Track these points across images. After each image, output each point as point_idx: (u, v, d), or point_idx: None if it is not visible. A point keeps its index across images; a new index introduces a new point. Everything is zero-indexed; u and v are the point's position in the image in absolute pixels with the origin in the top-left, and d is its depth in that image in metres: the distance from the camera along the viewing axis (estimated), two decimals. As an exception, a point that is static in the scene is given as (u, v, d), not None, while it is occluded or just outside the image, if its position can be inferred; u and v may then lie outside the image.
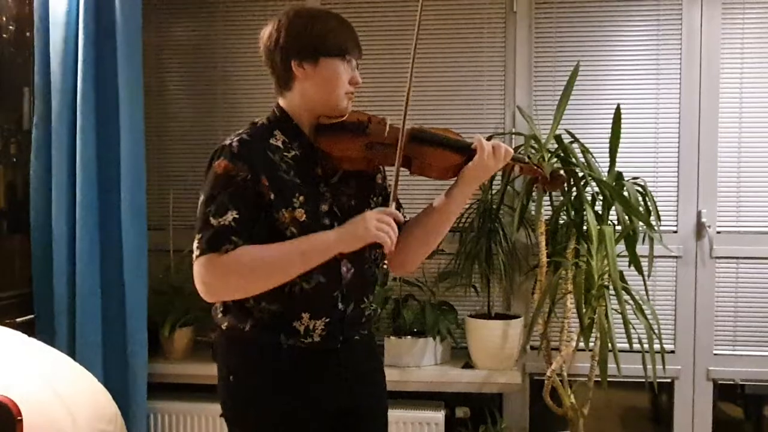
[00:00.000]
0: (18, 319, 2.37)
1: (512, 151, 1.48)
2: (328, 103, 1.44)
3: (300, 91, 1.44)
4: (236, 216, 1.34)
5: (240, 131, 1.43)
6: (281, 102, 1.48)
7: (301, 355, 1.43)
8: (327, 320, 1.43)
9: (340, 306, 1.45)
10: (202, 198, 1.38)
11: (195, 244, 1.35)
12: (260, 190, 1.37)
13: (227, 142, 1.40)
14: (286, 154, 1.43)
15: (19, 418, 1.60)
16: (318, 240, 1.36)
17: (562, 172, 1.56)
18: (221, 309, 1.50)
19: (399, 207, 1.59)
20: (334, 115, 1.46)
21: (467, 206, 2.48)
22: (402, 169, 1.43)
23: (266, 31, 1.46)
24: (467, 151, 1.45)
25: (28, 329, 2.22)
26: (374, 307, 1.55)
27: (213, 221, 1.34)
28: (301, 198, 1.40)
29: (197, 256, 1.35)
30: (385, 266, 1.59)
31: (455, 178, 1.47)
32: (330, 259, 1.39)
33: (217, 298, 1.41)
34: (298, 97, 1.45)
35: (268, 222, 1.38)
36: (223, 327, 1.48)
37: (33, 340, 1.99)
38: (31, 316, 2.46)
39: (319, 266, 1.38)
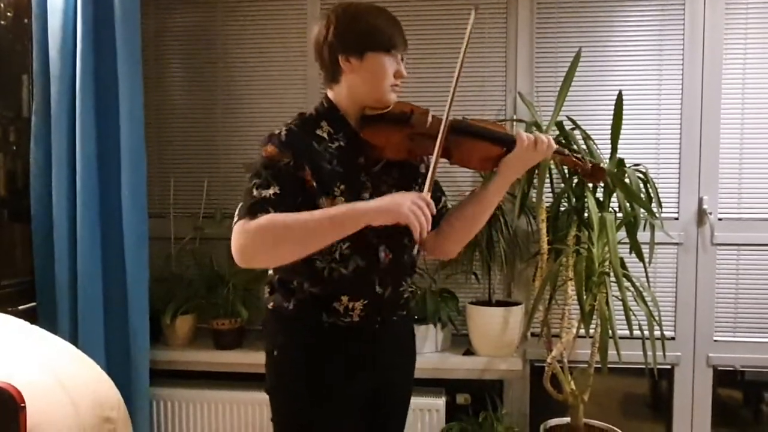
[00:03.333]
0: (20, 307, 2.39)
1: (555, 144, 1.52)
2: (373, 95, 1.51)
3: (347, 84, 1.51)
4: (277, 191, 1.40)
5: (289, 121, 1.50)
6: (329, 94, 1.55)
7: (341, 333, 1.51)
8: (365, 302, 1.50)
9: (378, 289, 1.51)
10: (249, 175, 1.45)
11: (236, 213, 1.42)
12: (303, 176, 1.43)
13: (276, 131, 1.47)
14: (330, 144, 1.49)
15: (22, 405, 1.60)
16: (349, 208, 1.38)
17: (603, 164, 1.60)
18: (268, 290, 1.58)
19: (441, 193, 1.67)
20: (380, 107, 1.52)
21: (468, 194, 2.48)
22: (442, 159, 1.48)
23: (316, 28, 1.53)
24: (507, 143, 1.50)
25: (30, 317, 2.23)
26: (413, 290, 1.58)
27: (255, 192, 1.41)
28: (342, 186, 1.46)
29: (235, 222, 1.40)
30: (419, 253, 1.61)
31: (495, 169, 1.53)
32: (368, 244, 1.47)
33: (250, 261, 1.39)
34: (345, 89, 1.52)
35: (311, 208, 1.42)
36: (270, 306, 1.56)
37: (35, 328, 1.99)
38: (33, 304, 2.47)
39: (357, 251, 1.47)
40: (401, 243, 1.53)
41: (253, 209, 1.38)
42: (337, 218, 1.37)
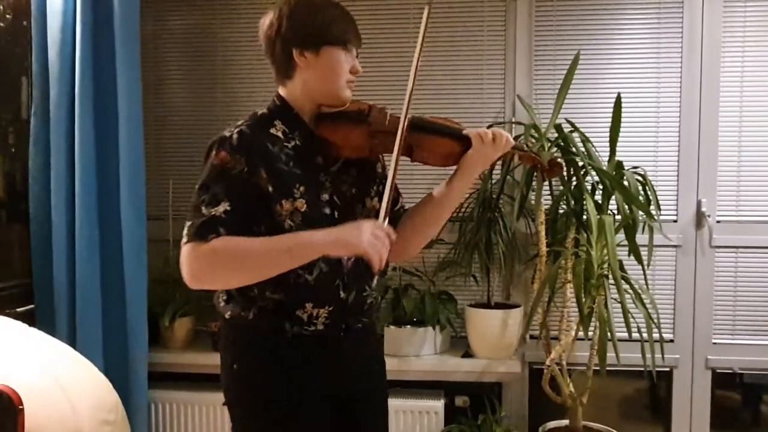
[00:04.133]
0: (18, 309, 2.38)
1: (513, 140, 1.49)
2: (329, 92, 1.45)
3: (301, 80, 1.45)
4: (228, 208, 1.34)
5: (240, 122, 1.43)
6: (281, 91, 1.49)
7: (305, 342, 1.45)
8: (330, 309, 1.45)
9: (342, 294, 1.45)
10: (197, 185, 1.38)
11: (185, 230, 1.35)
12: (257, 182, 1.37)
13: (227, 133, 1.39)
14: (286, 144, 1.43)
15: (20, 407, 1.60)
16: (306, 239, 1.35)
17: (560, 159, 1.59)
18: (224, 299, 1.51)
19: (398, 195, 1.61)
20: (335, 104, 1.47)
21: (467, 195, 2.48)
22: (403, 157, 1.44)
23: (266, 20, 1.46)
24: (467, 140, 1.48)
25: (29, 319, 2.22)
26: (375, 295, 1.55)
27: (204, 210, 1.34)
28: (302, 188, 1.40)
29: (185, 242, 1.34)
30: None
31: (456, 166, 1.50)
32: None
33: (200, 285, 1.37)
34: (299, 86, 1.46)
35: (266, 215, 1.38)
36: (227, 316, 1.49)
37: (33, 330, 1.99)
38: (32, 306, 2.46)
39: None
40: None
41: (204, 230, 1.32)
42: (295, 250, 1.33)
